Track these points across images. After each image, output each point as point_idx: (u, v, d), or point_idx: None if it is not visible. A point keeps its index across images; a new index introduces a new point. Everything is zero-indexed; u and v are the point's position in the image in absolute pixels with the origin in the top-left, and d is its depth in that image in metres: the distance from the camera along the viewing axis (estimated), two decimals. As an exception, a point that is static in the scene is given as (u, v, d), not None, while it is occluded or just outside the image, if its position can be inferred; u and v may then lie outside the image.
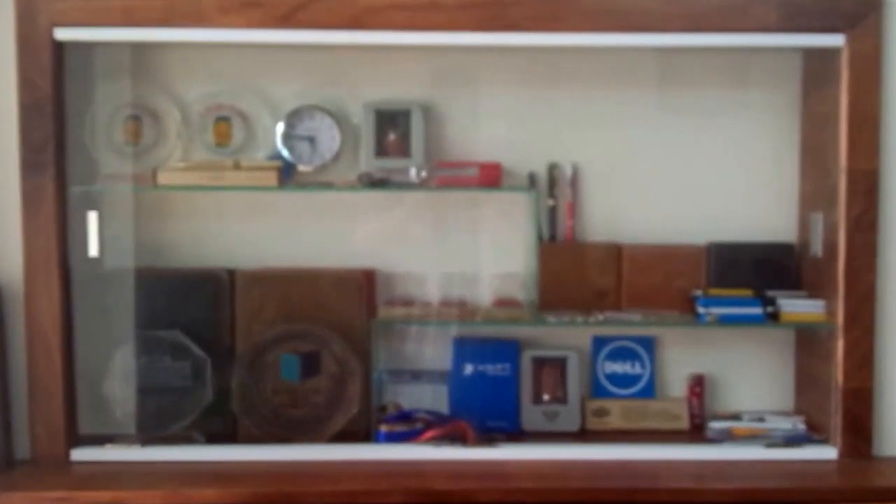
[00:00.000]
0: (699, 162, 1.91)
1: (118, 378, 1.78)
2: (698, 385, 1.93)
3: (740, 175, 1.92)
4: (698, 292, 1.85)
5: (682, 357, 1.95)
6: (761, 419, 1.87)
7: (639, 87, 1.89)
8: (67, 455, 1.71)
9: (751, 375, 1.95)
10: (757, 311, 1.81)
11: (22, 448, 1.73)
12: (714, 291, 1.84)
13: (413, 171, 1.76)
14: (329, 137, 1.83)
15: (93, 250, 1.72)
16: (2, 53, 1.66)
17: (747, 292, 1.83)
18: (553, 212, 1.89)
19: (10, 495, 1.59)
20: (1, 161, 1.70)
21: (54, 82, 1.66)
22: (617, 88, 1.90)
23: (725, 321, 1.80)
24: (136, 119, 1.80)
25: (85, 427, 1.76)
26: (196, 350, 1.78)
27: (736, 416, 1.89)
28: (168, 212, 1.88)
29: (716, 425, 1.85)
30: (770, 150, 1.91)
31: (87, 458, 1.72)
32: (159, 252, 1.87)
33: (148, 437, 1.76)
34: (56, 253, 1.68)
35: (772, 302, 1.81)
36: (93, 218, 1.72)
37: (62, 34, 1.65)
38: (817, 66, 1.83)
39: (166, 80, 1.84)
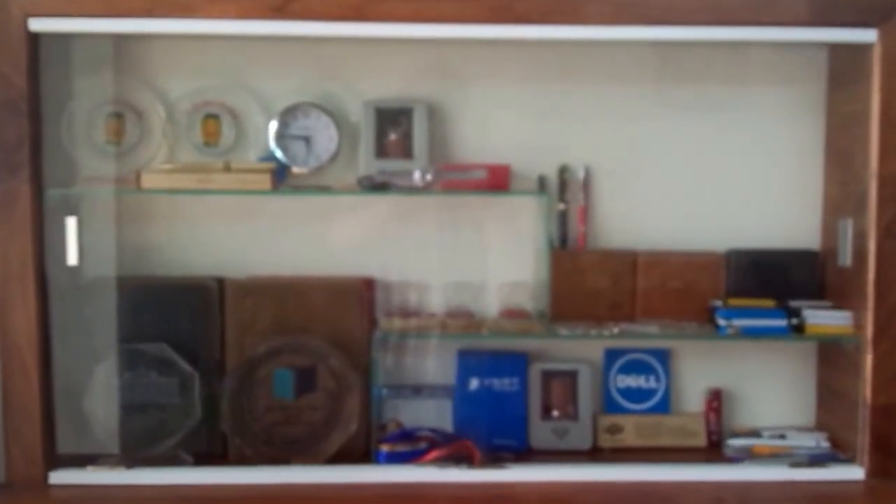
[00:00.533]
0: (718, 164, 1.80)
1: (100, 395, 1.65)
2: (716, 400, 1.81)
3: (762, 178, 1.80)
4: (718, 303, 1.74)
5: (699, 370, 1.84)
6: (782, 436, 1.76)
7: (655, 85, 1.78)
8: (46, 478, 1.58)
9: (771, 389, 1.85)
10: (781, 322, 1.69)
11: (-2, 470, 1.63)
12: (734, 302, 1.73)
13: (417, 174, 1.63)
14: (326, 137, 1.70)
15: (72, 258, 1.59)
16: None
17: (769, 303, 1.72)
18: (564, 217, 1.77)
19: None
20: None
21: (29, 77, 1.51)
22: (632, 86, 1.78)
23: (748, 334, 1.69)
24: (118, 117, 1.66)
25: (66, 447, 1.62)
26: (183, 364, 1.66)
27: (755, 433, 1.78)
28: (153, 216, 1.74)
29: (735, 443, 1.75)
30: (793, 152, 1.80)
31: (67, 482, 1.59)
32: (144, 260, 1.73)
33: (132, 458, 1.63)
34: (32, 261, 1.54)
35: (796, 313, 1.70)
36: (72, 223, 1.58)
37: (37, 25, 1.51)
38: (845, 62, 1.71)
39: (151, 75, 1.70)
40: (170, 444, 1.66)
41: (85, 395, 1.66)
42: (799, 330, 1.70)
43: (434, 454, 1.65)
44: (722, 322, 1.70)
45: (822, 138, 1.79)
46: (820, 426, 1.81)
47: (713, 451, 1.79)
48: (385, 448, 1.66)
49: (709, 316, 1.75)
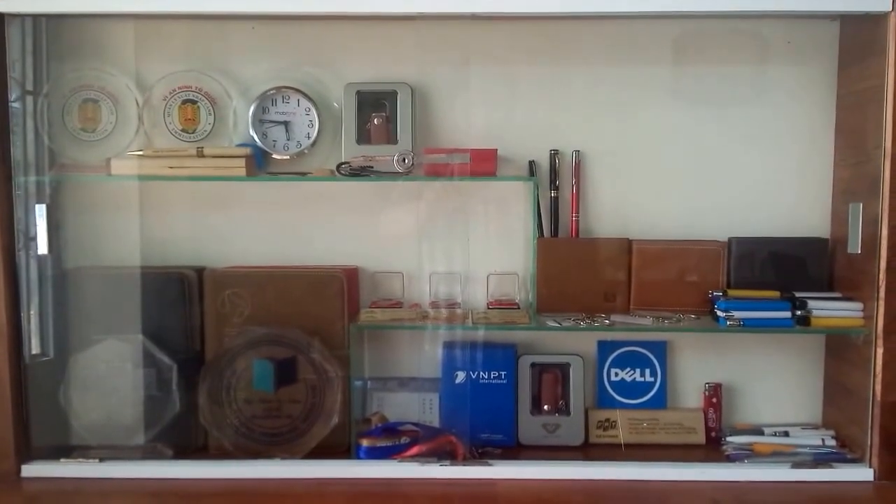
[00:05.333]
0: (720, 147, 1.59)
1: (76, 387, 1.51)
2: (715, 395, 1.62)
3: (766, 162, 1.60)
4: (718, 293, 1.54)
5: (698, 363, 1.64)
6: (786, 433, 1.56)
7: (652, 64, 1.58)
8: (18, 471, 1.45)
9: (774, 384, 1.64)
10: (785, 314, 1.49)
11: (-30, 463, 1.50)
12: (735, 293, 1.53)
13: (395, 159, 1.46)
14: (306, 122, 1.53)
15: (42, 247, 1.45)
16: (-63, 28, 1.40)
17: (773, 294, 1.52)
18: (555, 204, 1.58)
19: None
20: (-60, 149, 1.44)
21: (-6, 60, 1.40)
22: (627, 65, 1.58)
23: (749, 326, 1.49)
24: (93, 102, 1.51)
25: (41, 440, 1.49)
26: (161, 356, 1.51)
27: (757, 430, 1.58)
28: (128, 204, 1.58)
29: (735, 440, 1.55)
30: (801, 132, 1.59)
31: (40, 475, 1.45)
32: (120, 249, 1.58)
33: (109, 450, 1.49)
34: (1, 249, 1.41)
35: (802, 305, 1.49)
36: (41, 211, 1.44)
37: (3, 6, 1.36)
38: (857, 36, 1.50)
39: (127, 60, 1.54)
40: (148, 436, 1.51)
41: (59, 387, 1.52)
42: (804, 322, 1.49)
43: (416, 449, 1.49)
44: (721, 314, 1.50)
45: (832, 117, 1.58)
46: (826, 423, 1.61)
47: (712, 449, 1.59)
48: (365, 442, 1.50)
49: (708, 307, 1.56)
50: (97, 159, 1.51)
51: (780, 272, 1.55)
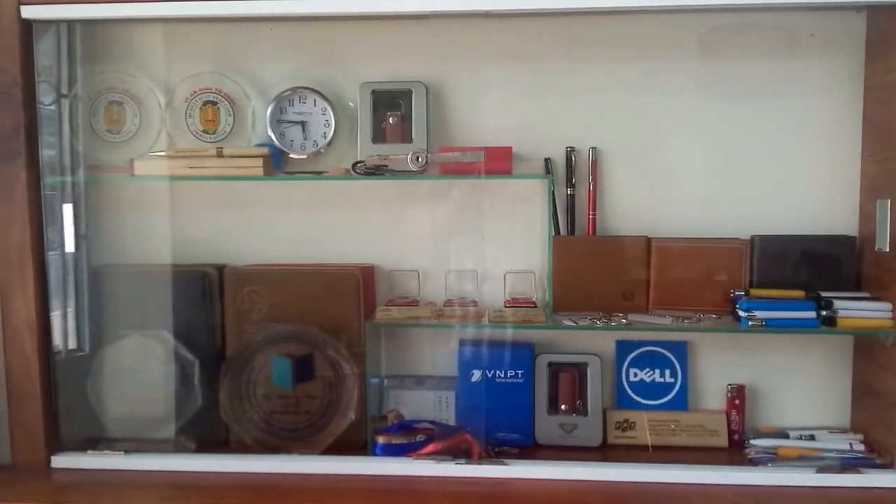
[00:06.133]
0: (741, 142, 1.54)
1: (102, 381, 1.54)
2: (739, 396, 1.57)
3: (790, 157, 1.54)
4: (740, 293, 1.50)
5: (721, 364, 1.60)
6: (811, 437, 1.51)
7: (670, 59, 1.53)
8: (48, 462, 1.49)
9: (800, 386, 1.59)
10: (810, 314, 1.44)
11: (3, 453, 1.51)
12: (758, 292, 1.48)
13: (409, 158, 1.45)
14: (322, 122, 1.54)
15: (69, 245, 1.49)
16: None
17: (798, 293, 1.46)
18: (572, 201, 1.55)
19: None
20: (-27, 151, 1.49)
21: (23, 65, 1.41)
22: (644, 60, 1.54)
23: (772, 326, 1.44)
24: (118, 104, 1.54)
25: (70, 432, 1.52)
26: (184, 352, 1.53)
27: (782, 434, 1.53)
28: (151, 204, 1.61)
29: (758, 443, 1.51)
30: (827, 127, 1.53)
31: (69, 465, 1.49)
32: (143, 247, 1.61)
33: (134, 443, 1.52)
34: (31, 248, 1.44)
35: (828, 305, 1.44)
36: (68, 211, 1.48)
37: (29, 12, 1.40)
38: (884, 27, 1.43)
39: (148, 62, 1.57)
40: (171, 430, 1.53)
41: (89, 380, 1.55)
42: (830, 322, 1.43)
43: (431, 447, 1.48)
44: (743, 313, 1.46)
45: (860, 111, 1.51)
46: (855, 427, 1.55)
47: (735, 452, 1.54)
48: (381, 439, 1.49)
49: (731, 306, 1.51)
50: (122, 160, 1.54)
51: (805, 271, 1.50)
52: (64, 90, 1.53)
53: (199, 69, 1.55)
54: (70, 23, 1.49)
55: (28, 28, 1.43)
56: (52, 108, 1.51)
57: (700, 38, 1.53)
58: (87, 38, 1.54)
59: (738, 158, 1.55)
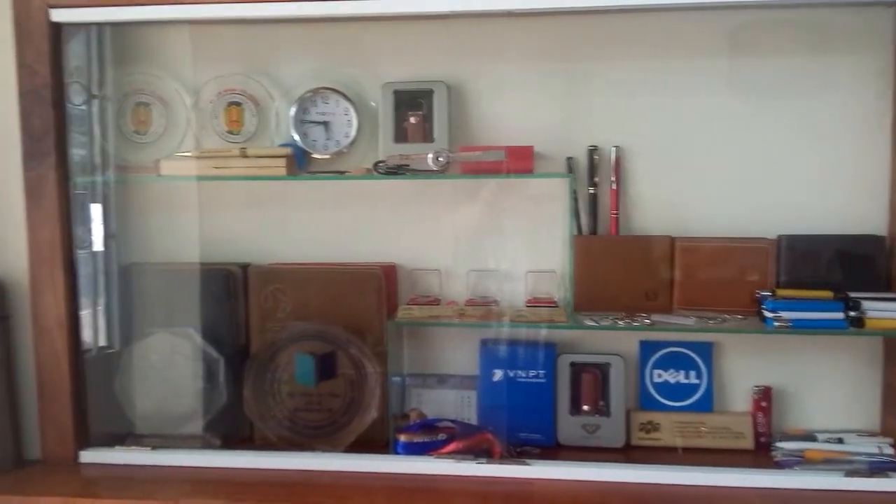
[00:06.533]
0: (767, 140, 1.51)
1: (129, 378, 1.57)
2: (765, 399, 1.54)
3: (817, 155, 1.51)
4: (766, 293, 1.47)
5: (747, 365, 1.57)
6: (840, 440, 1.48)
7: (694, 57, 1.51)
8: (76, 457, 1.52)
9: (828, 388, 1.55)
10: (837, 315, 1.41)
11: (34, 448, 1.55)
12: (784, 293, 1.45)
13: (430, 157, 1.45)
14: (345, 122, 1.54)
15: (97, 244, 1.52)
16: (2, 38, 1.45)
17: (826, 294, 1.43)
18: (594, 201, 1.54)
19: (5, 499, 1.40)
20: (5, 151, 1.50)
21: (52, 67, 1.45)
22: (668, 58, 1.52)
23: (798, 327, 1.42)
24: (145, 106, 1.56)
25: (98, 427, 1.55)
26: (209, 349, 1.55)
27: (810, 437, 1.50)
28: (177, 203, 1.62)
29: (785, 446, 1.48)
30: (854, 124, 1.49)
31: (96, 460, 1.52)
32: (170, 246, 1.62)
33: (161, 439, 1.55)
34: (60, 246, 1.48)
35: (856, 305, 1.40)
36: (97, 210, 1.51)
37: (59, 16, 1.44)
38: (915, 23, 1.42)
39: (174, 63, 1.58)
40: (197, 426, 1.55)
41: (116, 377, 1.58)
42: (858, 324, 1.40)
43: (452, 446, 1.48)
44: (769, 314, 1.43)
45: (889, 108, 1.48)
46: (885, 431, 1.51)
47: (761, 455, 1.52)
48: (403, 438, 1.49)
49: (757, 308, 1.48)
50: (149, 160, 1.55)
51: (833, 271, 1.47)
52: (95, 91, 1.55)
53: (224, 71, 1.57)
54: (104, 25, 1.51)
55: (57, 31, 1.46)
56: (83, 108, 1.54)
57: (724, 35, 1.50)
58: (116, 40, 1.56)
59: (763, 156, 1.52)
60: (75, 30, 1.49)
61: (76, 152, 1.50)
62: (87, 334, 1.53)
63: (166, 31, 1.58)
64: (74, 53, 1.50)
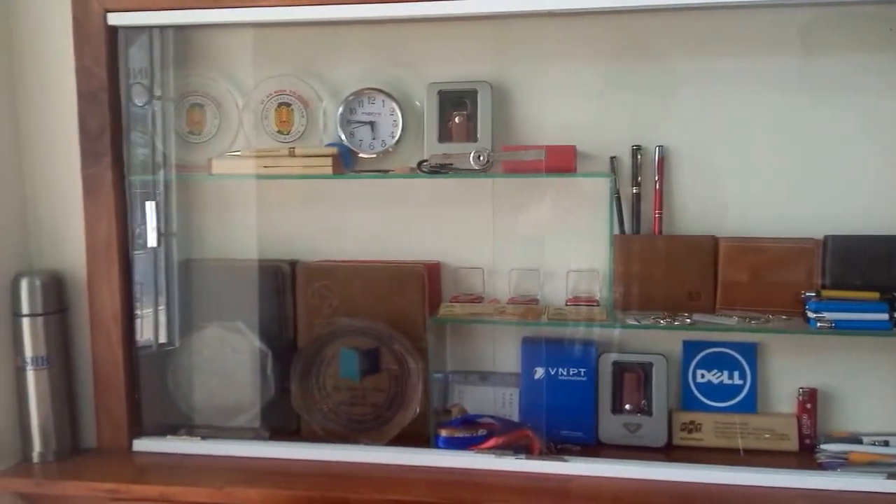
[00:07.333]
0: (814, 139, 1.49)
1: (181, 370, 1.61)
2: (810, 400, 1.53)
3: (864, 154, 1.48)
4: (810, 294, 1.46)
5: (792, 367, 1.55)
6: (885, 443, 1.46)
7: (738, 56, 1.50)
8: (130, 445, 1.58)
9: (874, 390, 1.53)
10: (882, 317, 1.40)
11: (91, 437, 1.61)
12: (829, 293, 1.44)
13: (473, 156, 1.46)
14: (390, 122, 1.56)
15: (151, 240, 1.55)
16: (63, 41, 1.51)
17: (872, 295, 1.42)
18: (637, 200, 1.54)
19: (62, 484, 1.47)
20: (65, 151, 1.55)
21: (109, 69, 1.50)
22: (712, 57, 1.51)
23: (842, 328, 1.41)
24: (199, 107, 1.60)
25: (151, 418, 1.60)
26: (258, 343, 1.59)
27: (855, 439, 1.48)
28: (228, 201, 1.66)
29: (829, 448, 1.47)
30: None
31: (149, 449, 1.58)
32: (221, 243, 1.66)
33: (211, 430, 1.59)
34: (116, 242, 1.53)
35: (902, 307, 1.41)
36: (151, 207, 1.54)
37: (115, 19, 1.48)
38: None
39: (227, 65, 1.61)
40: (246, 418, 1.60)
41: (169, 369, 1.62)
42: (905, 326, 1.40)
43: (492, 441, 1.49)
44: (812, 315, 1.42)
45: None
46: (934, 435, 1.51)
47: (805, 457, 1.50)
48: (444, 433, 1.52)
49: (801, 308, 1.47)
50: (202, 160, 1.60)
51: (880, 272, 1.44)
52: (157, 92, 1.60)
53: (274, 72, 1.59)
54: (162, 28, 1.56)
55: (113, 35, 1.51)
56: (145, 109, 1.59)
57: (770, 34, 1.48)
58: (176, 42, 1.59)
59: (809, 156, 1.50)
60: (139, 32, 1.54)
61: (140, 152, 1.55)
62: (148, 331, 1.59)
63: (218, 34, 1.62)
64: (138, 55, 1.55)
